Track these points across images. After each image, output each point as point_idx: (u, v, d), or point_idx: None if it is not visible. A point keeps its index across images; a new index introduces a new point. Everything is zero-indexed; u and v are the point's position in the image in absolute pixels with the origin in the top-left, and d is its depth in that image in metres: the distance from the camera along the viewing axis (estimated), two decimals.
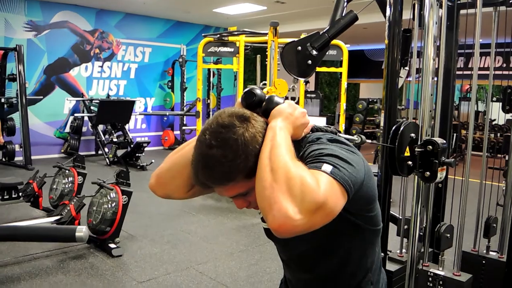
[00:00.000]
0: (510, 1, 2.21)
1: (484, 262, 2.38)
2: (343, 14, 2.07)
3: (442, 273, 2.04)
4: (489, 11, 2.37)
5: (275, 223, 0.85)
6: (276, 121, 1.01)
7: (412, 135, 1.70)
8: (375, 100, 9.49)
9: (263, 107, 1.07)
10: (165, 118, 10.82)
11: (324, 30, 2.04)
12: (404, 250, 2.44)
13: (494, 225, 2.52)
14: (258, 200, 0.91)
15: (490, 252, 2.47)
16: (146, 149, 8.50)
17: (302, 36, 6.10)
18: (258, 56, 6.04)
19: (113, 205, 3.93)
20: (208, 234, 4.66)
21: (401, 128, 1.64)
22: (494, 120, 11.66)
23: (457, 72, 2.50)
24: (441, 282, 2.02)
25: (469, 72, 2.29)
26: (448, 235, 2.10)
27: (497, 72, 2.35)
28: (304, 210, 0.84)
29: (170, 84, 10.73)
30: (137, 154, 8.26)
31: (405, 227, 2.42)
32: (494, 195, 2.75)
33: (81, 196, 4.17)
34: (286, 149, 0.94)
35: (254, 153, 0.97)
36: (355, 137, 1.28)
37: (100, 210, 3.90)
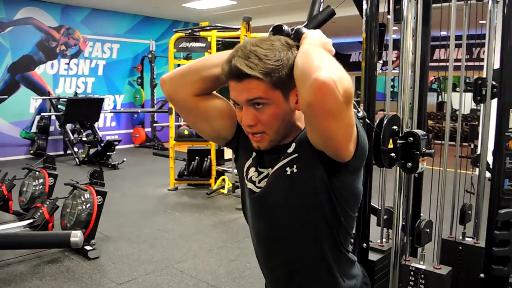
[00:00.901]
0: None
1: (460, 248, 2.45)
2: (321, 9, 2.08)
3: (423, 267, 2.07)
4: (455, 4, 2.43)
5: (319, 81, 0.90)
6: (309, 39, 1.06)
7: (395, 127, 1.72)
8: None
9: (293, 34, 1.12)
10: (135, 116, 10.66)
11: (302, 25, 2.05)
12: (384, 240, 2.49)
13: (469, 212, 2.59)
14: (301, 68, 0.96)
15: (466, 238, 2.53)
16: (116, 147, 8.36)
17: None
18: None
19: (87, 206, 3.84)
20: (185, 231, 4.62)
21: (385, 121, 1.65)
22: (457, 110, 12.02)
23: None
24: (422, 276, 2.06)
25: (435, 64, 2.34)
26: (428, 230, 2.15)
27: (458, 64, 2.40)
28: (344, 90, 0.92)
29: (139, 80, 10.56)
30: (108, 153, 8.12)
31: (385, 217, 2.47)
32: (464, 183, 2.83)
33: (54, 198, 4.06)
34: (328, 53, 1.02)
35: (290, 69, 1.03)
36: (359, 109, 1.31)
37: (74, 212, 3.82)
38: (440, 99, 11.94)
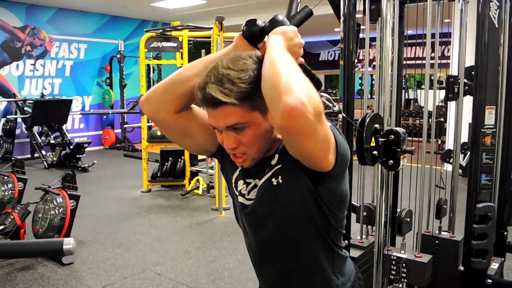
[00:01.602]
0: None
1: (437, 242, 2.50)
2: (298, 9, 2.09)
3: (404, 256, 2.13)
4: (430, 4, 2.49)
5: (289, 106, 0.87)
6: (277, 37, 1.04)
7: (376, 125, 1.74)
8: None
9: (268, 24, 1.08)
10: (105, 117, 10.45)
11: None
12: (364, 236, 2.53)
13: (445, 206, 2.66)
14: (269, 87, 0.93)
15: (442, 232, 2.60)
16: (86, 149, 8.18)
17: None
18: (203, 51, 5.97)
19: (60, 210, 3.75)
20: (161, 234, 4.56)
21: (367, 120, 1.68)
22: (423, 106, 12.34)
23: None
24: (404, 265, 2.12)
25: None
26: (408, 219, 2.20)
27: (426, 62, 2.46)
28: (313, 108, 0.89)
29: (108, 81, 10.35)
30: (77, 156, 7.93)
31: (364, 214, 2.50)
32: (435, 178, 2.90)
33: (25, 203, 3.93)
34: (293, 60, 0.99)
35: None
36: (335, 104, 1.31)
37: (47, 217, 3.71)
38: (407, 97, 12.22)
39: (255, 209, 1.18)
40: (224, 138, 1.08)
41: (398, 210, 2.41)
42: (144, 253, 4.00)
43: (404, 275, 2.13)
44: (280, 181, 1.11)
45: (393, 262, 2.14)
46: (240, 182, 1.22)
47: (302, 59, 1.12)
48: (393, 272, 2.16)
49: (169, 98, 1.15)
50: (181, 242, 4.32)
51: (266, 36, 1.08)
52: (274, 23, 1.08)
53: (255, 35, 1.10)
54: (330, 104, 1.27)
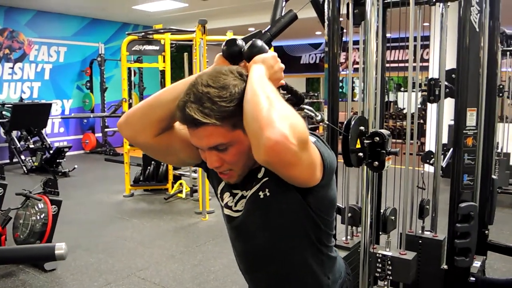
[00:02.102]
0: (433, 0, 2.37)
1: (420, 241, 2.54)
2: (283, 13, 2.11)
3: (389, 253, 2.17)
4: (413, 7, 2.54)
5: (271, 140, 0.86)
6: (258, 66, 1.03)
7: (362, 128, 1.77)
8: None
9: (246, 50, 1.07)
10: (85, 121, 10.32)
11: (266, 29, 2.07)
12: (349, 237, 2.55)
13: (427, 206, 2.70)
14: (251, 121, 0.91)
15: (425, 232, 2.64)
16: (66, 154, 8.06)
17: (228, 33, 6.09)
18: (186, 54, 5.95)
19: (42, 216, 3.69)
20: (145, 238, 4.53)
21: (352, 122, 1.70)
22: (404, 108, 12.54)
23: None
24: (389, 262, 2.15)
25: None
26: (393, 217, 2.24)
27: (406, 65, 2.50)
28: (297, 138, 0.88)
29: (88, 84, 10.25)
30: (57, 160, 7.81)
31: (349, 215, 2.53)
32: (417, 179, 2.95)
33: (5, 209, 3.85)
34: (276, 90, 0.99)
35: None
36: (317, 113, 1.33)
37: (28, 223, 3.65)
38: (387, 99, 12.38)
39: (243, 222, 1.18)
40: (207, 157, 1.06)
41: (382, 210, 2.45)
42: (128, 258, 3.96)
43: (389, 272, 2.16)
44: (268, 193, 1.10)
45: (379, 260, 2.18)
46: (226, 195, 1.21)
47: (283, 81, 1.12)
48: (379, 270, 2.19)
49: (148, 122, 1.12)
50: (165, 246, 4.29)
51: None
52: (253, 48, 1.07)
53: (235, 55, 1.09)
54: (313, 114, 1.29)
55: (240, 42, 1.09)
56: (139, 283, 3.45)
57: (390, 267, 2.16)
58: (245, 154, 1.05)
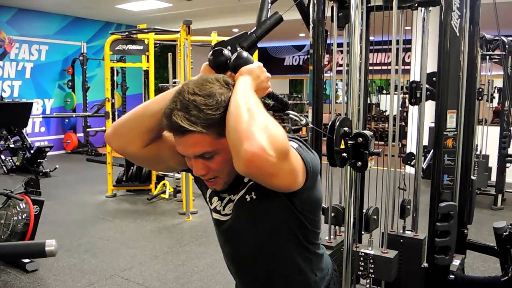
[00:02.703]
0: (415, 4, 2.42)
1: (402, 241, 2.60)
2: (269, 15, 2.14)
3: (372, 252, 2.22)
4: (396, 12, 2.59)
5: (249, 153, 0.87)
6: (245, 78, 1.04)
7: (346, 129, 1.80)
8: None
9: (232, 62, 1.08)
10: (66, 120, 10.19)
11: (251, 31, 2.10)
12: (332, 236, 2.59)
13: (408, 207, 2.76)
14: (232, 132, 0.93)
15: (406, 232, 2.69)
16: (47, 154, 7.95)
17: (213, 34, 6.08)
18: (170, 54, 5.94)
19: (23, 216, 3.64)
20: (128, 239, 4.51)
21: (337, 124, 1.73)
22: (386, 111, 12.70)
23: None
24: (371, 260, 2.20)
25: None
26: (375, 216, 2.29)
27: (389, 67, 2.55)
28: (276, 150, 0.89)
29: (70, 83, 10.13)
30: (38, 160, 7.70)
31: (332, 214, 2.57)
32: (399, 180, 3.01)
33: None
34: (259, 102, 1.00)
35: None
36: (302, 118, 1.36)
37: (9, 223, 3.60)
38: (369, 101, 12.52)
39: (231, 226, 1.20)
40: (193, 165, 1.08)
41: (365, 210, 2.50)
42: (111, 259, 3.94)
43: (371, 270, 2.22)
44: (254, 197, 1.12)
45: (361, 258, 2.22)
46: (215, 199, 1.23)
47: (270, 89, 1.14)
48: (361, 268, 2.24)
49: (136, 133, 1.12)
50: (149, 246, 4.28)
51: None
52: (239, 60, 1.08)
53: (221, 65, 1.10)
54: (298, 119, 1.32)
55: (226, 52, 1.10)
56: (122, 284, 3.44)
57: (372, 265, 2.21)
58: (230, 162, 1.05)
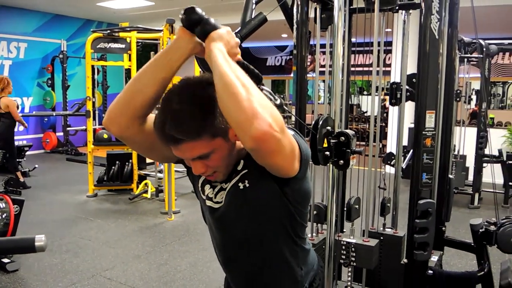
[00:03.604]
0: (396, 7, 2.48)
1: (382, 238, 2.65)
2: (253, 16, 2.17)
3: (353, 241, 2.29)
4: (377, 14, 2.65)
5: (259, 131, 0.90)
6: (218, 45, 1.01)
7: (328, 128, 1.84)
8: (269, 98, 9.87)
9: (200, 27, 1.04)
10: (46, 119, 10.04)
11: (236, 31, 2.12)
12: (314, 234, 2.64)
13: (388, 205, 2.82)
14: (234, 112, 0.92)
15: (386, 229, 2.76)
16: (26, 153, 7.84)
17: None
18: (152, 53, 5.92)
19: (3, 216, 3.59)
20: (110, 238, 4.48)
21: (320, 123, 1.77)
22: (366, 112, 12.86)
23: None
24: (353, 249, 2.27)
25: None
26: (357, 206, 2.35)
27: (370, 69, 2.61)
28: (279, 126, 0.92)
29: (50, 82, 9.98)
30: (17, 159, 7.56)
31: (315, 212, 2.62)
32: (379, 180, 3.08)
33: None
34: (245, 74, 0.98)
35: (220, 113, 1.01)
36: (276, 97, 1.29)
37: None
38: (350, 102, 12.65)
39: (224, 213, 1.22)
40: (192, 165, 1.12)
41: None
42: (93, 258, 3.91)
43: (353, 258, 2.28)
44: (247, 185, 1.15)
45: (343, 247, 2.28)
46: (207, 186, 1.26)
47: (239, 56, 1.11)
48: (343, 257, 2.30)
49: (131, 112, 1.11)
50: (131, 246, 4.26)
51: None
52: (206, 25, 1.04)
53: (195, 22, 1.04)
54: (272, 98, 1.26)
55: (199, 10, 1.05)
56: (104, 283, 3.42)
57: (354, 254, 2.27)
58: (227, 157, 1.12)
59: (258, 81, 1.17)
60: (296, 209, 1.20)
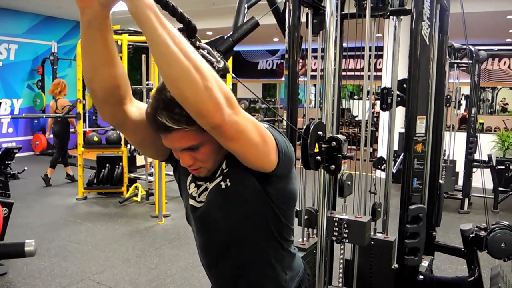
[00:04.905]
0: (387, 13, 2.49)
1: (372, 243, 2.66)
2: (245, 20, 2.17)
3: (346, 217, 2.28)
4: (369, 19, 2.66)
5: (222, 121, 0.92)
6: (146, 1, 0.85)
7: (320, 133, 1.85)
8: (256, 100, 9.88)
9: None
10: (35, 121, 9.96)
11: (228, 35, 2.12)
12: (305, 239, 2.63)
13: (379, 209, 2.83)
14: (187, 92, 0.87)
15: (377, 234, 2.76)
16: (15, 155, 7.74)
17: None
18: (143, 56, 5.90)
19: None
20: (99, 242, 4.44)
21: (311, 127, 1.77)
22: (357, 116, 12.92)
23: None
24: (346, 225, 2.27)
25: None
26: (349, 182, 2.34)
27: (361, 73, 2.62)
28: (228, 103, 0.93)
29: (40, 84, 9.91)
30: (6, 162, 7.48)
31: (305, 217, 2.61)
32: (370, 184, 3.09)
33: None
34: (183, 39, 0.90)
35: None
36: (218, 58, 1.16)
37: None
38: (341, 106, 12.73)
39: (205, 212, 1.21)
40: (180, 157, 1.12)
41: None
42: (82, 262, 3.88)
43: (345, 235, 2.27)
44: (229, 184, 1.15)
45: (335, 224, 2.27)
46: (192, 185, 1.25)
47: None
48: (336, 233, 2.29)
49: (102, 95, 1.03)
50: (121, 250, 4.23)
51: None
52: None
53: None
54: (214, 60, 1.16)
55: None
56: (93, 287, 3.39)
57: (347, 230, 2.26)
58: (215, 152, 1.12)
59: (193, 34, 1.11)
60: (281, 210, 1.19)
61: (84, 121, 6.61)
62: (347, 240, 2.30)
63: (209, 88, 0.88)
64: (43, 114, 9.45)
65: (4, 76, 9.37)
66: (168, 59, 0.85)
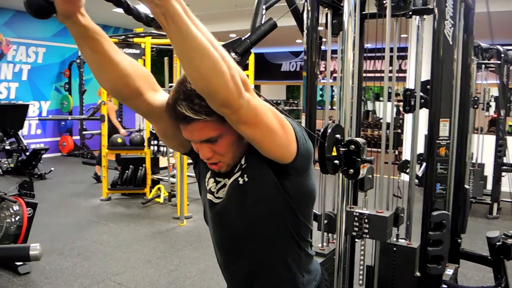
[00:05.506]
0: (410, 13, 2.43)
1: (395, 249, 2.59)
2: (263, 21, 2.14)
3: (367, 212, 2.21)
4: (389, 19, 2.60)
5: (240, 106, 0.93)
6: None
7: (338, 136, 1.80)
8: (279, 102, 9.84)
9: None
10: (63, 123, 10.17)
11: (246, 36, 2.10)
12: (325, 244, 2.58)
13: (402, 215, 2.75)
14: (218, 85, 0.88)
15: (400, 240, 2.69)
16: (43, 156, 7.93)
17: None
18: (166, 58, 5.94)
19: (17, 218, 3.62)
20: (121, 243, 4.48)
21: (329, 130, 1.73)
22: (381, 118, 12.74)
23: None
24: (366, 220, 2.19)
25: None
26: (370, 176, 2.27)
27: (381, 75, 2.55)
28: (246, 86, 0.93)
29: (67, 86, 10.12)
30: (33, 162, 7.67)
31: (325, 221, 2.56)
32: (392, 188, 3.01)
33: None
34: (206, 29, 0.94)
35: None
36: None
37: (2, 225, 3.58)
38: (366, 108, 12.56)
39: (223, 208, 1.20)
40: (199, 149, 1.12)
41: None
42: (104, 262, 3.91)
43: (366, 230, 2.19)
44: (246, 179, 1.13)
45: (356, 219, 2.20)
46: (211, 180, 1.24)
47: None
48: (356, 228, 2.22)
49: (119, 84, 1.03)
50: (142, 251, 4.26)
51: None
52: None
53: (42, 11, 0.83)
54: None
55: None
56: None
57: (367, 225, 2.19)
58: (235, 145, 1.11)
59: None
60: (299, 207, 1.16)
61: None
62: (367, 236, 2.23)
63: (234, 77, 0.89)
64: (68, 116, 9.66)
65: (32, 79, 9.60)
66: (202, 52, 0.85)
